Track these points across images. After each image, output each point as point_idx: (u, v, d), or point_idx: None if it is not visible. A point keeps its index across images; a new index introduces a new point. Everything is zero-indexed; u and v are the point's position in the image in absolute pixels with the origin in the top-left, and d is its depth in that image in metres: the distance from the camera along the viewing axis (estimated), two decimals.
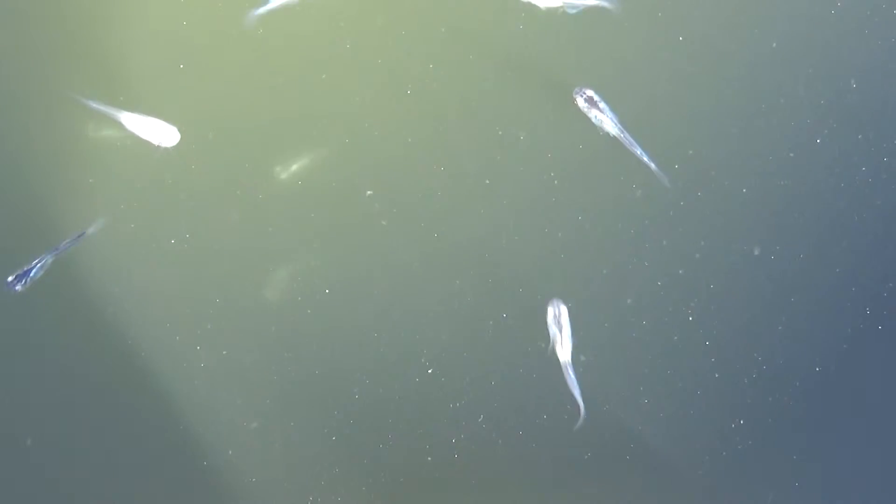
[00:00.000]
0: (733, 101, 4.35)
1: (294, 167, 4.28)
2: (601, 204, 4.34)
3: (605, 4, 4.07)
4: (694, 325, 4.33)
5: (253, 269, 4.28)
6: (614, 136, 4.08)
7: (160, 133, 4.11)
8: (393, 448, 4.31)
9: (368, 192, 4.24)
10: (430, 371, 4.28)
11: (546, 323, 4.07)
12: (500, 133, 4.32)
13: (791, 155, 4.36)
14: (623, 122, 4.09)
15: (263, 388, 4.29)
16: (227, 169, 4.25)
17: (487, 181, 4.32)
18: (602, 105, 4.05)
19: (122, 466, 4.25)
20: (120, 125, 4.11)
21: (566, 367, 4.01)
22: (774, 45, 4.36)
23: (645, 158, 4.07)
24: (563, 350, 4.01)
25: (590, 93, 4.04)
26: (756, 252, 4.34)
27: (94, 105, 4.12)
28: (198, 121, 4.18)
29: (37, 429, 4.23)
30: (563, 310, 4.02)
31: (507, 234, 4.31)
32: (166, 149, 4.11)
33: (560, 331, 4.00)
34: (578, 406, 4.05)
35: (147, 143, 4.08)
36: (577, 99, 4.06)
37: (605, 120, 4.07)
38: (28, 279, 3.93)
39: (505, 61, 4.29)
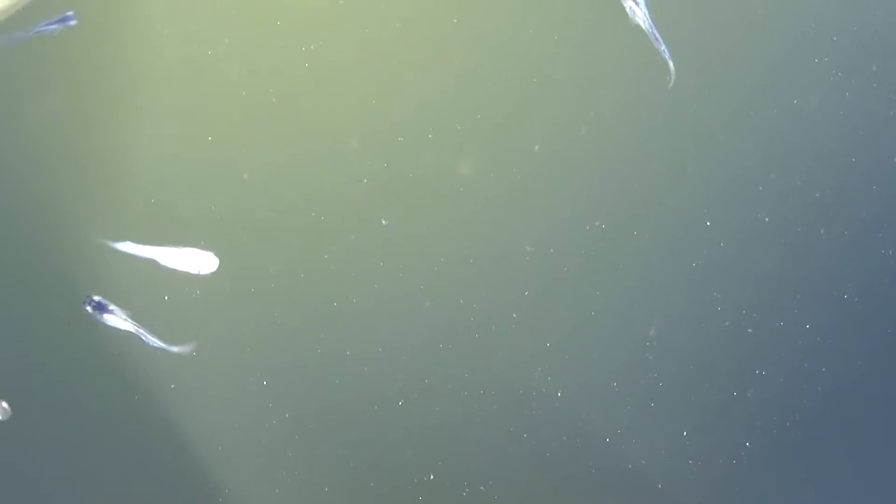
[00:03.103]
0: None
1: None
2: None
3: None
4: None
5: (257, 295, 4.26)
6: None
7: (199, 262, 4.04)
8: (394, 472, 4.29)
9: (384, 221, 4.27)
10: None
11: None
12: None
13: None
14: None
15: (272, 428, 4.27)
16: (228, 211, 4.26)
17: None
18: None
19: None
20: (156, 263, 4.00)
21: (651, 31, 4.13)
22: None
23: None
24: (644, 17, 4.15)
25: None
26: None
27: (126, 248, 4.01)
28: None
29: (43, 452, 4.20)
30: None
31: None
32: (206, 275, 4.06)
33: (636, 1, 4.14)
34: (667, 63, 4.17)
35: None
36: None
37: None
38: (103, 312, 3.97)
39: None
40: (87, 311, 3.93)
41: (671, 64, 4.22)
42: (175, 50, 4.22)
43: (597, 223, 4.31)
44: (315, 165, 4.30)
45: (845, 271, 4.31)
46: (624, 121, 4.41)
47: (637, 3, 4.23)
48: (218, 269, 4.05)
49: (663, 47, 4.21)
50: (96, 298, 3.92)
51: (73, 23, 4.07)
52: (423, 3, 4.47)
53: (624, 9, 4.24)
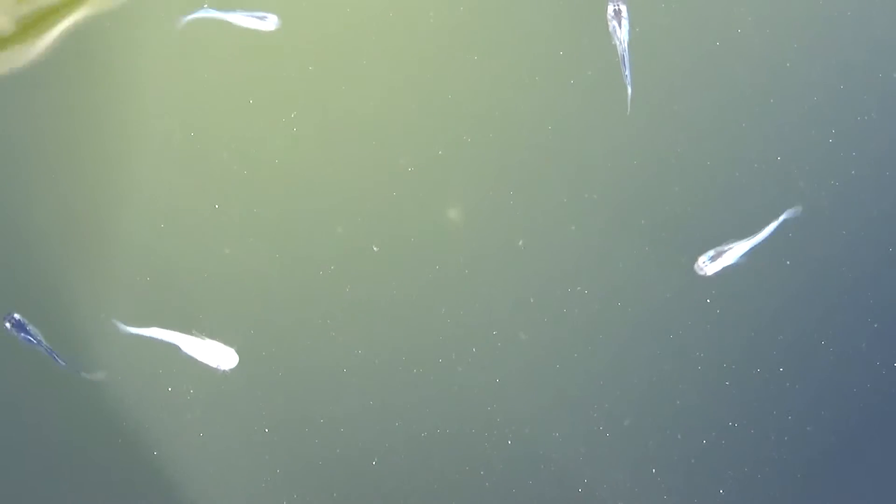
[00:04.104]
0: None
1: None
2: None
3: None
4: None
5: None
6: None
7: (219, 356, 4.08)
8: None
9: (375, 248, 4.37)
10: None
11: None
12: None
13: None
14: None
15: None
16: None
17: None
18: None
19: None
20: (177, 349, 4.07)
21: (623, 54, 4.29)
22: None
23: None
24: (621, 39, 4.30)
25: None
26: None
27: (149, 334, 4.09)
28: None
29: None
30: (623, 7, 4.31)
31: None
32: (226, 371, 4.10)
33: (619, 24, 4.30)
34: (627, 88, 4.30)
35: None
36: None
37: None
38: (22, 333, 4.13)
39: None
40: (6, 327, 4.09)
41: (629, 90, 4.24)
42: (159, 133, 4.50)
43: (578, 288, 4.36)
44: (316, 225, 4.51)
45: (821, 319, 4.27)
46: (609, 189, 4.42)
47: (619, 26, 4.25)
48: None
49: (627, 72, 4.23)
50: (16, 316, 4.14)
51: (269, 24, 4.25)
52: (388, 60, 4.54)
53: (608, 27, 4.30)
